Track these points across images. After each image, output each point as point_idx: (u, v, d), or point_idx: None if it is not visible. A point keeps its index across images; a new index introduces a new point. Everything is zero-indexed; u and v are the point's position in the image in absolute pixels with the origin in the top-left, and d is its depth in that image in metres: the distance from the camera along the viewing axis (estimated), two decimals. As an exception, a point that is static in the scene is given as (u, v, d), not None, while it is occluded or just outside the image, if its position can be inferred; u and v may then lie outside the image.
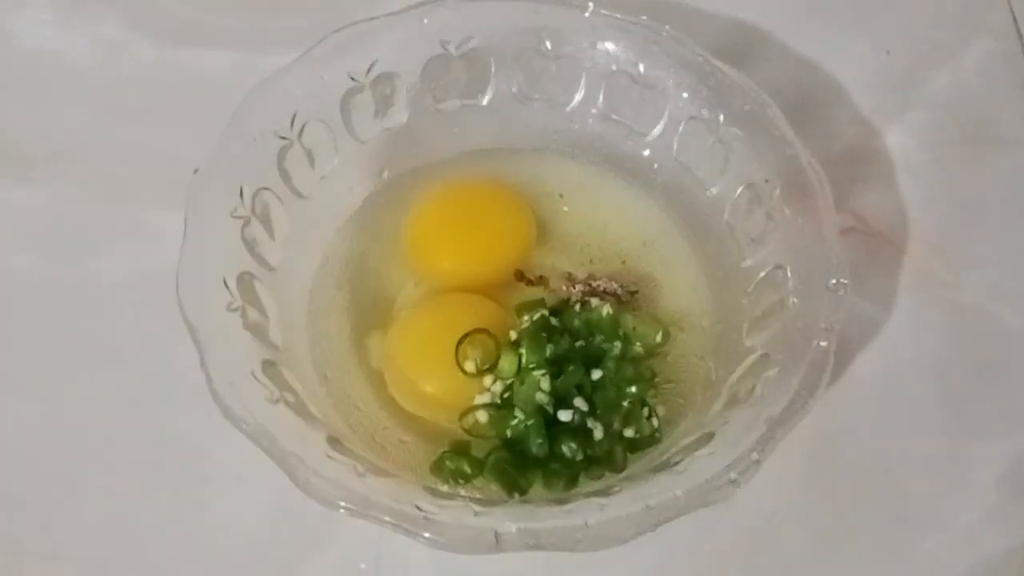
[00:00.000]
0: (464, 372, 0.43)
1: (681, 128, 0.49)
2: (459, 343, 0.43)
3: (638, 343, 0.45)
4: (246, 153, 0.44)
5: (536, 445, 0.42)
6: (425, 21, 0.48)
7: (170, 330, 0.39)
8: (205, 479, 0.45)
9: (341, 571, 0.44)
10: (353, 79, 0.47)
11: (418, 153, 0.51)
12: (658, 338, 0.46)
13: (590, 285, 0.47)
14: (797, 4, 0.61)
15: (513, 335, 0.44)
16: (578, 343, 0.44)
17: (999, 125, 0.57)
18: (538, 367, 0.43)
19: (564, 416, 0.42)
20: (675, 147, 0.50)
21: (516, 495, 0.41)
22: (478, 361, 0.43)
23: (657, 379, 0.45)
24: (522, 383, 0.43)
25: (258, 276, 0.43)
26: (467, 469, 0.42)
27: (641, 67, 0.49)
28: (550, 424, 0.42)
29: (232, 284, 0.41)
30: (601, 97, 0.50)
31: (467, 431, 0.43)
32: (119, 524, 0.45)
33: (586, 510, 0.37)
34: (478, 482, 0.42)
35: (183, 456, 0.46)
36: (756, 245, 0.46)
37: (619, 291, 0.47)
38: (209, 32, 0.59)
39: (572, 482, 0.42)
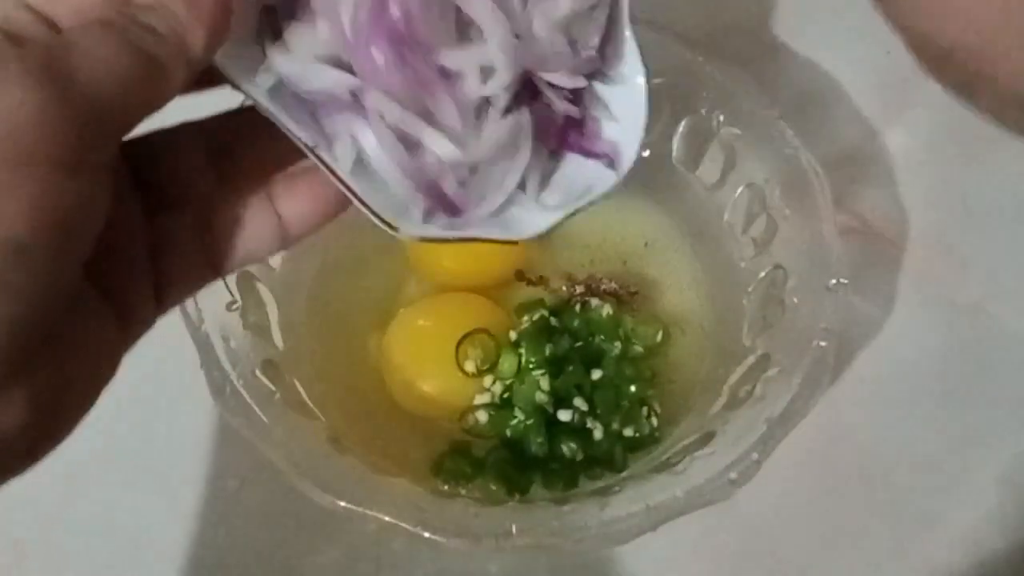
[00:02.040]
0: (464, 372, 0.43)
1: (681, 128, 0.49)
2: (459, 343, 0.43)
3: (638, 343, 0.45)
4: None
5: (536, 445, 0.42)
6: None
7: (170, 330, 0.39)
8: (205, 479, 0.45)
9: (341, 571, 0.44)
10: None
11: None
12: (658, 338, 0.46)
13: (590, 286, 0.47)
14: (797, 4, 0.61)
15: (513, 335, 0.44)
16: (578, 343, 0.44)
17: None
18: (538, 367, 0.43)
19: (564, 416, 0.42)
20: (675, 147, 0.50)
21: (516, 495, 0.41)
22: (478, 361, 0.43)
23: (657, 379, 0.45)
24: (522, 383, 0.43)
25: (258, 276, 0.43)
26: (467, 469, 0.42)
27: (640, 67, 0.49)
28: (550, 424, 0.42)
29: (232, 284, 0.41)
30: (601, 97, 0.50)
31: (467, 431, 0.43)
32: (119, 524, 0.45)
33: (586, 510, 0.37)
34: (478, 482, 0.42)
35: (183, 456, 0.46)
36: (756, 245, 0.46)
37: (619, 291, 0.47)
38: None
39: (572, 482, 0.42)
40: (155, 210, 0.25)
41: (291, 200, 0.26)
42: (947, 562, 0.45)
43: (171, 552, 0.44)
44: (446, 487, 0.41)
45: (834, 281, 0.41)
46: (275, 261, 0.45)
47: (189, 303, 0.39)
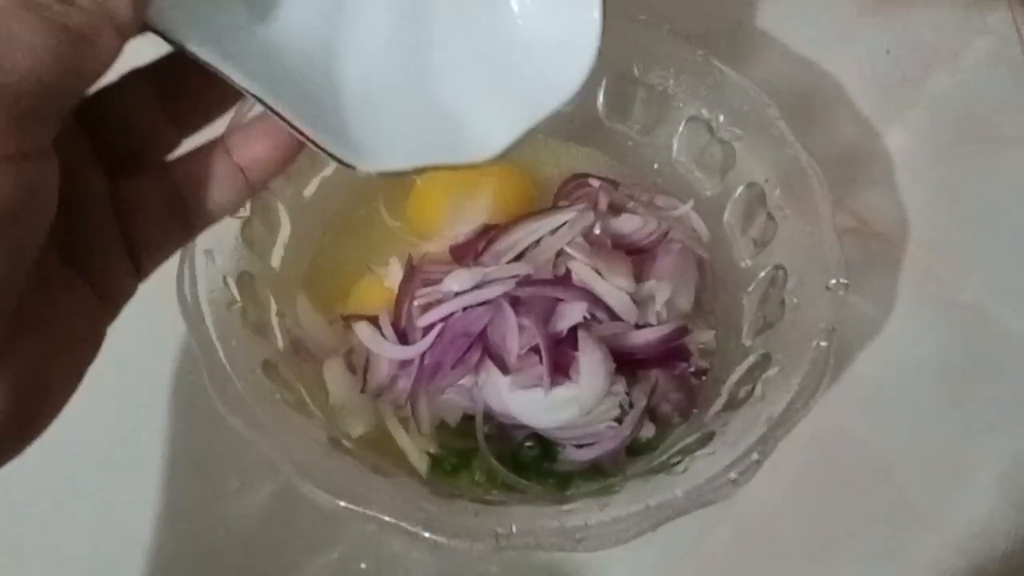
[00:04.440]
0: None
1: (681, 128, 0.49)
2: None
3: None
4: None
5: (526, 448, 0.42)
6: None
7: (170, 330, 0.39)
8: (205, 479, 0.45)
9: (341, 571, 0.44)
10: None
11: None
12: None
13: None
14: (798, 3, 0.61)
15: None
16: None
17: (999, 125, 0.57)
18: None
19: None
20: (675, 147, 0.50)
21: (507, 491, 0.41)
22: None
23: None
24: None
25: (258, 276, 0.43)
26: (453, 460, 0.42)
27: (640, 67, 0.49)
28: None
29: (232, 284, 0.41)
30: (600, 97, 0.50)
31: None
32: (119, 524, 0.45)
33: (586, 510, 0.37)
34: (476, 480, 0.42)
35: (183, 456, 0.46)
36: (756, 245, 0.46)
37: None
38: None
39: (566, 482, 0.42)
40: (117, 174, 0.24)
41: (248, 148, 0.25)
42: (947, 562, 0.45)
43: (171, 552, 0.44)
44: (442, 482, 0.42)
45: (834, 281, 0.41)
46: (275, 260, 0.45)
47: (189, 303, 0.39)
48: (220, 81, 0.23)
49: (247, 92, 0.23)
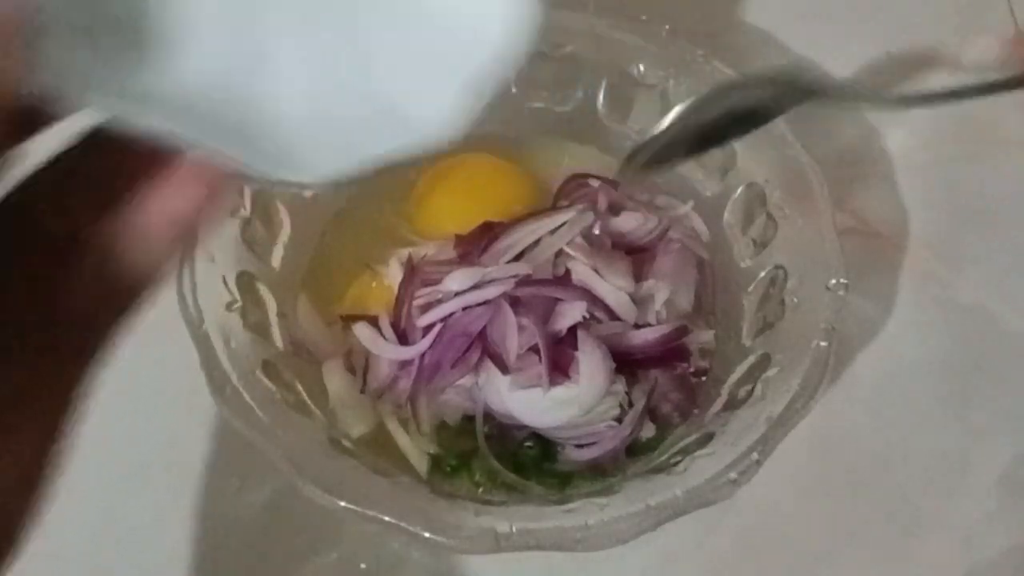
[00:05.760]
0: None
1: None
2: None
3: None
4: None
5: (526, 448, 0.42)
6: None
7: (170, 330, 0.39)
8: (205, 479, 0.45)
9: (341, 571, 0.43)
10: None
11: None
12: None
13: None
14: (797, 3, 0.61)
15: None
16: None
17: (999, 125, 0.57)
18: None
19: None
20: (675, 147, 0.50)
21: (508, 492, 0.41)
22: None
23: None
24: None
25: (258, 276, 0.43)
26: (453, 461, 0.42)
27: (640, 67, 0.49)
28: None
29: (232, 284, 0.41)
30: (600, 97, 0.50)
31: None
32: (119, 524, 0.44)
33: (586, 510, 0.37)
34: (476, 480, 0.42)
35: (183, 456, 0.46)
36: (756, 245, 0.46)
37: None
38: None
39: (566, 482, 0.42)
40: (42, 270, 0.22)
41: (171, 199, 0.23)
42: (947, 562, 0.45)
43: (171, 552, 0.44)
44: (443, 484, 0.42)
45: (834, 281, 0.41)
46: (275, 260, 0.45)
47: (189, 303, 0.39)
48: (132, 154, 0.21)
49: (168, 134, 0.21)
